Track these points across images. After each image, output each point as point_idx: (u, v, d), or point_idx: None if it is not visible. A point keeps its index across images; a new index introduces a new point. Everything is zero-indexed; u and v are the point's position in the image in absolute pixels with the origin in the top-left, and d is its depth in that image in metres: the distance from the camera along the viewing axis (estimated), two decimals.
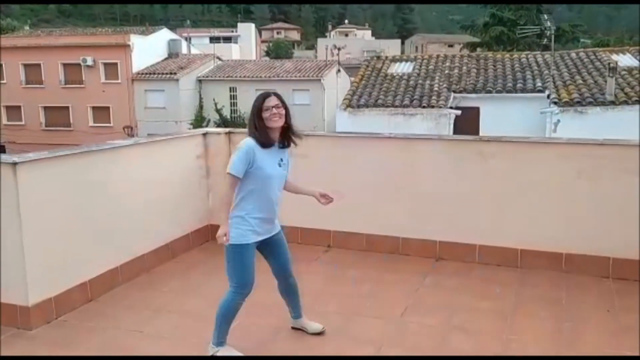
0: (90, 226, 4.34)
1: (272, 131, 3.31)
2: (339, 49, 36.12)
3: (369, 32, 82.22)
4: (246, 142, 3.27)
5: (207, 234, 5.79)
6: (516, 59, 20.61)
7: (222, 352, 3.42)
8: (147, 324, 3.94)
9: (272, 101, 3.27)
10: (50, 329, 3.90)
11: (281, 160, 3.38)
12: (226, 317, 3.40)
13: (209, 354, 3.44)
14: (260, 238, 3.38)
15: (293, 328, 3.82)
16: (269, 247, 3.49)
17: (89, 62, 32.21)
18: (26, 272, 3.81)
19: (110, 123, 32.56)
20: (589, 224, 4.80)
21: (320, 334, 3.74)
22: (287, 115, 3.33)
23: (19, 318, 3.86)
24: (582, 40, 34.90)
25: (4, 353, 3.55)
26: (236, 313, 3.41)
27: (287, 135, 3.38)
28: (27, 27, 48.49)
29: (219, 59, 35.62)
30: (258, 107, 3.27)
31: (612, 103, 16.00)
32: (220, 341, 3.42)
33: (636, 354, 3.48)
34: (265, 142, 3.28)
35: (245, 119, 30.71)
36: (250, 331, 3.80)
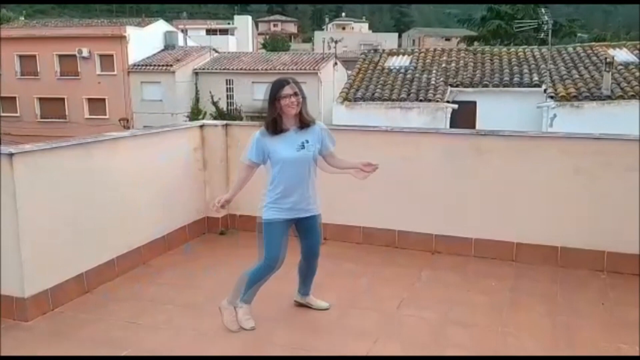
0: (87, 218, 4.33)
1: (286, 118, 3.45)
2: (336, 42, 36.01)
3: (366, 25, 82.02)
4: (256, 133, 3.53)
5: (203, 226, 5.79)
6: (513, 53, 20.62)
7: (244, 310, 3.70)
8: (143, 316, 3.94)
9: (289, 89, 3.41)
10: (47, 320, 3.90)
11: (306, 142, 3.49)
12: (252, 282, 3.64)
13: (225, 307, 3.72)
14: (288, 217, 3.57)
15: (296, 303, 4.03)
16: (301, 229, 3.70)
17: (85, 53, 32.01)
18: (22, 263, 3.81)
19: (106, 115, 32.43)
20: (584, 218, 4.82)
21: (326, 309, 3.98)
22: (303, 101, 3.48)
23: (15, 310, 3.85)
24: (579, 35, 34.83)
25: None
26: (261, 282, 3.66)
27: (303, 118, 3.50)
28: (22, 18, 48.16)
29: (216, 51, 35.48)
30: (274, 95, 3.41)
31: (609, 98, 16.05)
32: (246, 299, 3.70)
33: (632, 346, 3.51)
34: (275, 130, 3.46)
35: (242, 112, 30.77)
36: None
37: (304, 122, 3.51)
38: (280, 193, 3.51)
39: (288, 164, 3.48)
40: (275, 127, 3.45)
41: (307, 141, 3.50)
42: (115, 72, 32.40)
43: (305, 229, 3.69)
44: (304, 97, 3.48)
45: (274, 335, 3.69)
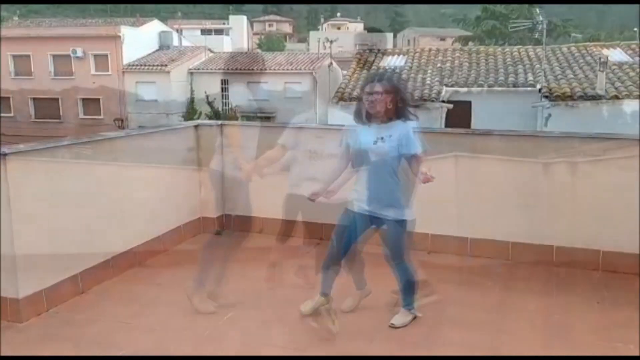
0: (81, 219, 4.31)
1: (370, 113, 3.48)
2: (331, 42, 36.02)
3: (361, 25, 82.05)
4: None
5: (198, 227, 5.77)
6: (508, 53, 20.67)
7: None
8: (138, 317, 3.93)
9: (370, 87, 3.45)
10: (41, 321, 3.88)
11: (380, 138, 3.46)
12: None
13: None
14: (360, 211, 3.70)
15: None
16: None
17: (79, 53, 31.89)
18: (16, 264, 3.79)
19: (100, 115, 32.31)
20: (579, 216, 4.83)
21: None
22: (395, 99, 3.43)
23: (9, 311, 3.83)
24: (573, 35, 34.99)
25: None
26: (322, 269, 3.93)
27: (396, 112, 3.47)
28: (16, 18, 47.91)
29: (211, 51, 35.42)
30: (362, 89, 3.51)
31: (603, 97, 16.10)
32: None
33: (627, 345, 3.52)
34: (357, 120, 3.59)
35: (237, 112, 30.79)
36: (244, 326, 3.80)
37: (393, 116, 3.49)
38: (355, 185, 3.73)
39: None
40: (359, 117, 3.56)
41: (382, 138, 3.45)
42: (109, 72, 32.28)
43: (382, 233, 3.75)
44: (395, 97, 3.44)
45: (270, 336, 3.68)
